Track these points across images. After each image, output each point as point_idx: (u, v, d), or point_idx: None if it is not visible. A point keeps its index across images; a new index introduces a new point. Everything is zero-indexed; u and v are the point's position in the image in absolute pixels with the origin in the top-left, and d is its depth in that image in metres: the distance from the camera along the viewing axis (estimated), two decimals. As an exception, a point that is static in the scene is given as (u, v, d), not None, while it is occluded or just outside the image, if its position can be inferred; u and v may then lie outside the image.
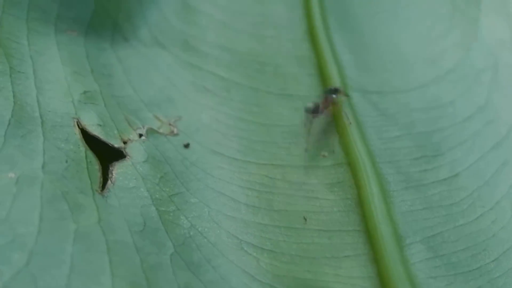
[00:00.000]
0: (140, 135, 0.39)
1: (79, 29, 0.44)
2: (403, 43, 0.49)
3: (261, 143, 0.42)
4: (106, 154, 0.37)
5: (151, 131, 0.40)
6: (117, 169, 0.36)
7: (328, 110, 0.42)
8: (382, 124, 0.43)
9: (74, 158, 0.35)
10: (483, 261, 0.37)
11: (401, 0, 0.52)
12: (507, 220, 0.39)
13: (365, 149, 0.40)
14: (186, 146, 0.41)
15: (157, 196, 0.36)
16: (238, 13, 0.51)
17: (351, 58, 0.48)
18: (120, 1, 0.47)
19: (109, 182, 0.35)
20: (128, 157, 0.37)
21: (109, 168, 0.36)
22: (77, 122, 0.37)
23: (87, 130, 0.37)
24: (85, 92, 0.40)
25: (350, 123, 0.42)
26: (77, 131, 0.37)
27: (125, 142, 0.38)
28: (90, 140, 0.37)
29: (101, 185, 0.35)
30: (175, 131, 0.41)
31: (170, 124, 0.42)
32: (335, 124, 0.43)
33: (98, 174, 0.35)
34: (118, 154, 0.37)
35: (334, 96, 0.43)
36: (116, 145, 0.38)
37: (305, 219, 0.38)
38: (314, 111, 0.41)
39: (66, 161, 0.34)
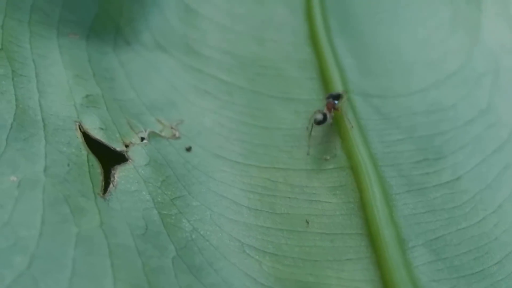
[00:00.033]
0: (142, 139, 0.39)
1: (81, 33, 0.44)
2: (405, 47, 0.49)
3: (263, 147, 0.42)
4: (108, 158, 0.37)
5: (153, 135, 0.40)
6: (119, 173, 0.36)
7: (330, 114, 0.42)
8: (384, 127, 0.43)
9: (76, 162, 0.35)
10: (485, 264, 0.37)
11: (402, 4, 0.52)
12: (510, 223, 0.39)
13: (367, 153, 0.40)
14: (188, 149, 0.40)
15: (159, 199, 0.36)
16: (240, 17, 0.51)
17: (353, 61, 0.48)
18: (122, 5, 0.47)
19: (111, 185, 0.35)
20: (130, 160, 0.37)
21: (111, 172, 0.36)
22: (79, 125, 0.37)
23: (89, 134, 0.37)
24: (87, 96, 0.40)
25: (352, 127, 0.42)
26: (79, 134, 0.37)
27: (127, 146, 0.38)
28: (92, 143, 0.37)
29: (103, 188, 0.35)
30: (177, 134, 0.41)
31: (172, 128, 0.42)
32: (337, 128, 0.43)
33: (100, 178, 0.35)
34: (120, 158, 0.37)
35: (336, 102, 0.42)
36: (118, 149, 0.38)
37: (307, 222, 0.38)
38: (323, 121, 0.41)
39: (68, 165, 0.34)
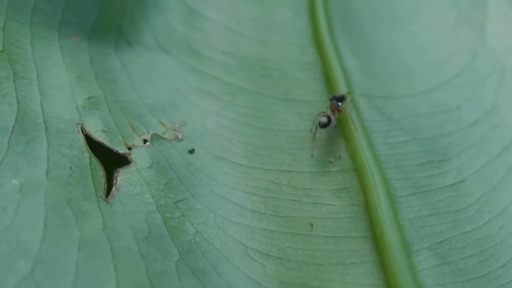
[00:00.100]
0: (145, 141, 0.39)
1: (83, 34, 0.44)
2: (409, 48, 0.49)
3: (267, 149, 0.42)
4: (111, 160, 0.37)
5: (155, 137, 0.40)
6: (122, 175, 0.36)
7: (334, 117, 0.42)
8: (388, 129, 0.43)
9: (78, 165, 0.35)
10: (491, 267, 0.36)
11: (406, 6, 0.52)
12: (515, 226, 0.38)
13: (371, 155, 0.40)
14: (191, 151, 0.40)
15: (162, 202, 0.36)
16: (242, 18, 0.51)
17: (357, 63, 0.48)
18: (124, 6, 0.47)
19: (113, 188, 0.35)
20: (133, 163, 0.37)
21: (113, 175, 0.36)
22: (81, 128, 0.37)
23: (91, 136, 0.37)
24: (89, 98, 0.40)
25: (356, 129, 0.42)
26: (81, 137, 0.37)
27: (129, 148, 0.38)
28: (94, 146, 0.37)
29: (105, 191, 0.35)
30: (180, 136, 0.41)
31: (174, 130, 0.41)
32: (341, 130, 0.42)
33: (102, 181, 0.35)
34: (122, 160, 0.37)
35: (339, 104, 0.42)
36: (120, 151, 0.38)
37: (312, 225, 0.38)
38: (328, 123, 0.41)
39: (71, 168, 0.34)
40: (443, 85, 0.46)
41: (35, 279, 0.28)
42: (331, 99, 0.43)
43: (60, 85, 0.39)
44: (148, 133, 0.40)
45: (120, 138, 0.38)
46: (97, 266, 0.30)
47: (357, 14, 0.52)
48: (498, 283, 0.36)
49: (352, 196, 0.39)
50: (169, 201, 0.36)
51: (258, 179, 0.40)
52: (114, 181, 0.35)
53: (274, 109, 0.44)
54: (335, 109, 0.42)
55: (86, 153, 0.36)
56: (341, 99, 0.43)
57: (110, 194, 0.35)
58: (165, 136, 0.40)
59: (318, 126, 0.41)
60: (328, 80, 0.46)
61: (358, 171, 0.40)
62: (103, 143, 0.37)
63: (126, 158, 0.37)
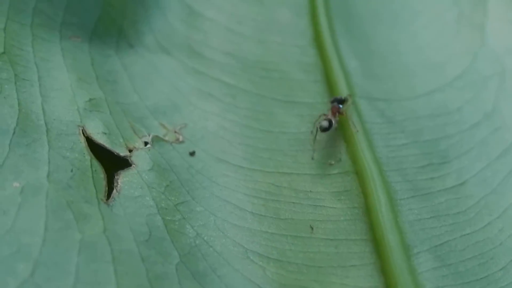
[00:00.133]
0: (146, 143, 0.39)
1: (84, 36, 0.44)
2: (409, 50, 0.49)
3: (267, 151, 0.42)
4: (112, 163, 0.37)
5: (156, 139, 0.40)
6: (123, 178, 0.36)
7: (335, 119, 0.42)
8: (389, 131, 0.43)
9: (79, 167, 0.35)
10: (490, 270, 0.37)
11: (407, 7, 0.52)
12: (515, 229, 0.38)
13: (372, 157, 0.40)
14: (192, 154, 0.40)
15: (162, 205, 0.36)
16: (243, 19, 0.50)
17: (358, 65, 0.47)
18: (125, 8, 0.47)
19: (114, 191, 0.35)
20: (134, 165, 0.37)
21: (114, 177, 0.36)
22: (82, 130, 0.37)
23: (92, 139, 0.37)
24: (90, 100, 0.40)
25: (357, 131, 0.42)
26: (82, 139, 0.37)
27: (130, 150, 0.38)
28: (95, 148, 0.37)
29: (106, 194, 0.35)
30: (181, 138, 0.41)
31: (175, 132, 0.41)
32: (341, 132, 0.42)
33: (103, 183, 0.35)
34: (123, 163, 0.37)
35: (340, 106, 0.42)
36: (121, 154, 0.38)
37: (312, 228, 0.38)
38: (329, 128, 0.41)
39: (71, 170, 0.34)
40: (444, 87, 0.46)
41: (36, 281, 0.28)
42: (332, 101, 0.43)
43: (61, 87, 0.39)
44: (149, 135, 0.40)
45: (121, 140, 0.38)
46: (97, 269, 0.30)
47: (358, 16, 0.51)
48: (497, 286, 0.36)
49: (353, 199, 0.39)
50: (169, 203, 0.36)
51: (259, 182, 0.40)
52: (115, 184, 0.35)
53: (275, 111, 0.44)
54: (336, 111, 0.42)
55: (87, 155, 0.36)
56: (342, 101, 0.43)
57: (111, 196, 0.35)
58: (166, 138, 0.40)
59: (319, 130, 0.41)
60: (329, 81, 0.46)
61: (358, 173, 0.40)
62: (104, 145, 0.37)
63: (127, 160, 0.37)
